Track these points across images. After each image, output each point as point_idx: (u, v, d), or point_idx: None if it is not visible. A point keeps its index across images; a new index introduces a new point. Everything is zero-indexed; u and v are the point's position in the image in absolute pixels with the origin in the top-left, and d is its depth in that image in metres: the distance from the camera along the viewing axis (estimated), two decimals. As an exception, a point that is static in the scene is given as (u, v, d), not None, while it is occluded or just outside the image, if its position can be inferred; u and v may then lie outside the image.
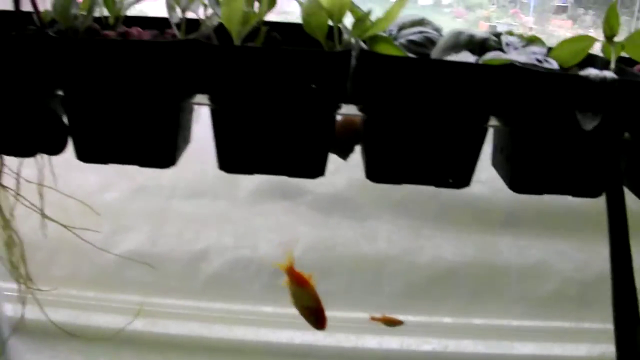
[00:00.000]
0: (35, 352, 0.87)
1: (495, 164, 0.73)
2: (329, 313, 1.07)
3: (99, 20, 0.70)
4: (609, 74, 0.59)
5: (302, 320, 1.05)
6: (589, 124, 0.59)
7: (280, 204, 1.03)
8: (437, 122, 0.62)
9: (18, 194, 0.69)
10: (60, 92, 0.62)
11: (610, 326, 1.09)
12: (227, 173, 0.64)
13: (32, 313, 0.83)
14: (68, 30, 0.63)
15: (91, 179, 0.92)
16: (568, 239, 1.11)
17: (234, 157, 0.64)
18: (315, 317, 0.80)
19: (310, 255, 1.05)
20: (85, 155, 0.64)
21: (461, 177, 0.66)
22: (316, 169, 0.65)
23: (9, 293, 0.85)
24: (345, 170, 1.05)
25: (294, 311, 1.07)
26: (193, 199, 1.00)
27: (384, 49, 0.61)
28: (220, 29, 0.63)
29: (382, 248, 1.10)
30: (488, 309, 1.10)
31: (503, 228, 1.09)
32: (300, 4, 0.62)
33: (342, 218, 1.09)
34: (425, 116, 0.61)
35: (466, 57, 0.64)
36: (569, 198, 0.68)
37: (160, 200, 0.94)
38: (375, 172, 0.65)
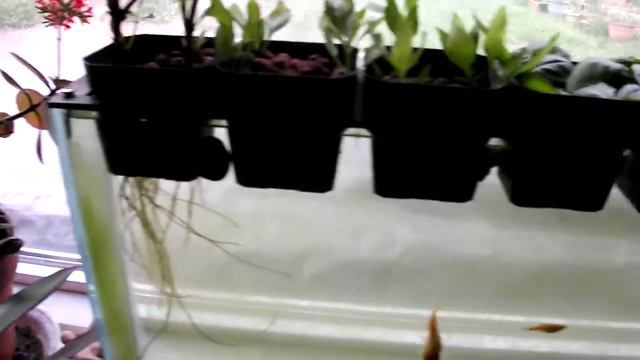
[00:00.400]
0: (162, 352, 0.93)
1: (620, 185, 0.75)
2: (425, 312, 1.11)
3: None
4: None
5: (408, 320, 1.09)
6: None
7: (374, 203, 1.04)
8: (583, 154, 0.63)
9: (172, 214, 0.73)
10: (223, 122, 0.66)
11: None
12: (383, 197, 0.67)
13: (167, 316, 0.87)
14: (230, 63, 0.66)
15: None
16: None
17: (392, 183, 0.67)
18: None
19: (408, 256, 1.06)
20: (246, 180, 0.68)
21: (595, 201, 0.68)
22: (466, 195, 0.67)
23: (142, 294, 0.89)
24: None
25: (401, 311, 1.10)
26: (286, 197, 1.00)
27: (537, 86, 0.62)
28: (380, 60, 0.65)
29: (478, 248, 1.10)
30: (590, 310, 1.10)
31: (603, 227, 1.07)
32: (443, 33, 0.64)
33: (439, 218, 1.09)
34: (576, 150, 0.63)
35: (604, 89, 0.65)
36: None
37: (255, 199, 0.95)
38: (522, 198, 0.68)
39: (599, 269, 1.09)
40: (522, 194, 0.68)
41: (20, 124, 1.03)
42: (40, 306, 1.17)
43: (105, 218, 0.79)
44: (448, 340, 1.10)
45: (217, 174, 0.67)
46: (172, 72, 0.63)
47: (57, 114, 0.69)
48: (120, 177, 0.75)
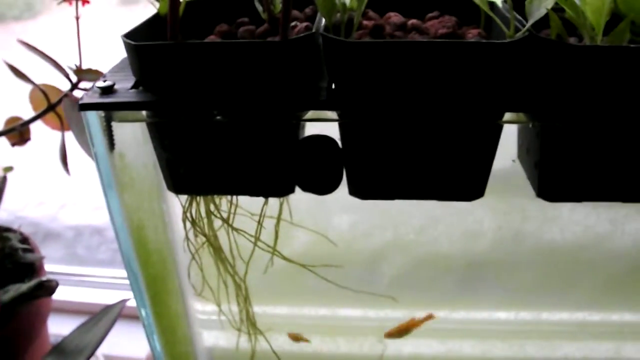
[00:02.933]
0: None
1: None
2: (516, 316, 0.93)
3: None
4: None
5: (502, 327, 0.93)
6: None
7: None
8: None
9: (258, 238, 0.55)
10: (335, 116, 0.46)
11: None
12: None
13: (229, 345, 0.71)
14: (336, 28, 0.46)
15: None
16: None
17: (576, 183, 0.47)
18: None
19: (497, 247, 0.89)
20: (367, 191, 0.48)
21: None
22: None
23: (204, 317, 0.72)
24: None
25: (492, 316, 0.93)
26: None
27: None
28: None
29: (576, 235, 0.93)
30: None
31: None
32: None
33: (526, 199, 0.91)
34: None
35: None
36: None
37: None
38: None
39: None
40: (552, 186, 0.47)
41: (36, 124, 0.85)
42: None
43: (165, 248, 0.60)
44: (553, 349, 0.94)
45: (326, 186, 0.48)
46: (261, 46, 0.43)
47: (93, 118, 0.49)
48: (184, 197, 0.56)
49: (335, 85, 0.45)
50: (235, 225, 0.62)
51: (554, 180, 0.48)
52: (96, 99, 0.47)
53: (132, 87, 0.48)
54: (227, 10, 0.57)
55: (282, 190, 0.49)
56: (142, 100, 0.45)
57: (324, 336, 0.77)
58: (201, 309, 0.73)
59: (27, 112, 0.84)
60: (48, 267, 1.21)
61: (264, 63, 0.43)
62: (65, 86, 0.80)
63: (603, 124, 0.44)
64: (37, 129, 0.86)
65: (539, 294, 0.93)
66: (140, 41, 0.45)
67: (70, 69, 0.78)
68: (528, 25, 0.43)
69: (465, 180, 0.47)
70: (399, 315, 0.76)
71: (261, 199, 0.59)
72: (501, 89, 0.42)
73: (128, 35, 0.47)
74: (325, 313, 0.76)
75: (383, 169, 0.46)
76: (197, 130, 0.47)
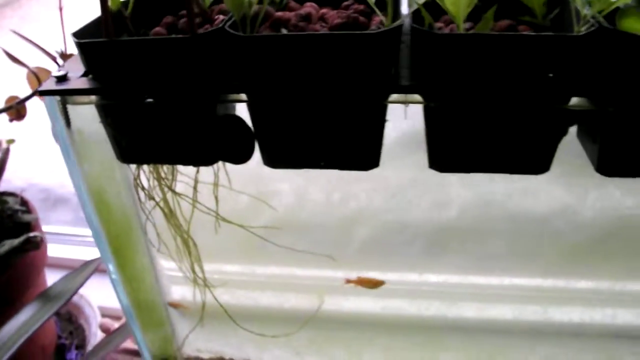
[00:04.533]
0: (204, 338, 0.87)
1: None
2: (486, 280, 0.99)
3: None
4: None
5: (467, 290, 0.99)
6: None
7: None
8: None
9: (195, 201, 0.64)
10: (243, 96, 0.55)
11: None
12: (440, 172, 0.56)
13: (203, 307, 0.81)
14: (243, 21, 0.54)
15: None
16: None
17: (453, 155, 0.54)
18: None
19: (466, 215, 0.94)
20: (276, 160, 0.57)
21: None
22: (543, 165, 0.54)
23: (171, 273, 0.83)
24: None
25: (457, 279, 1.00)
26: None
27: (635, 27, 0.47)
28: (429, 4, 0.51)
29: (543, 204, 0.98)
30: None
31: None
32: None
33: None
34: None
35: None
36: None
37: None
38: (608, 167, 0.54)
39: None
40: (611, 162, 0.54)
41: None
42: (81, 290, 1.14)
43: (125, 209, 0.71)
44: (514, 311, 1.00)
45: (240, 157, 0.57)
46: (171, 41, 0.51)
47: (51, 102, 0.59)
48: (134, 166, 0.66)
49: (241, 72, 0.53)
50: (200, 192, 0.72)
51: (444, 153, 0.55)
52: (52, 86, 0.57)
53: (82, 76, 0.57)
54: (175, 3, 0.65)
55: (206, 161, 0.58)
56: (84, 87, 0.55)
57: (274, 292, 0.87)
58: (167, 265, 0.84)
59: (25, 92, 0.95)
60: (57, 228, 1.34)
61: (175, 55, 0.52)
62: (54, 69, 0.90)
63: (476, 103, 0.51)
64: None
65: (506, 260, 0.99)
66: (93, 36, 0.54)
67: (58, 53, 0.88)
68: (405, 16, 0.50)
69: (358, 152, 0.55)
70: (340, 275, 0.85)
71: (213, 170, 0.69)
72: (381, 75, 0.50)
73: (78, 32, 0.56)
74: (274, 272, 0.86)
75: (284, 142, 0.55)
76: (132, 110, 0.57)
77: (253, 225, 0.72)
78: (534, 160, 0.54)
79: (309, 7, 0.58)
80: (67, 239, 1.25)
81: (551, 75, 0.48)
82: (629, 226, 0.94)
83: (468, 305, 0.95)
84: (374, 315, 0.86)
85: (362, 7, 0.59)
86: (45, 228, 1.31)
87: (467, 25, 0.52)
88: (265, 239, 0.72)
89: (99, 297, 1.09)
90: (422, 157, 0.67)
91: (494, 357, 0.92)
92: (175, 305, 0.83)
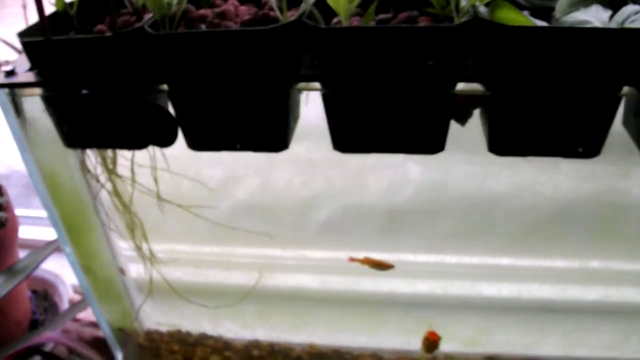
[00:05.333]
0: (163, 312, 0.94)
1: (626, 124, 0.65)
2: (439, 258, 1.05)
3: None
4: None
5: (418, 268, 1.04)
6: None
7: None
8: (568, 92, 0.54)
9: (134, 181, 0.71)
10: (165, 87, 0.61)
11: None
12: (342, 153, 0.62)
13: (150, 281, 0.88)
14: (164, 20, 0.60)
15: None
16: None
17: (351, 138, 0.61)
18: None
19: (420, 196, 0.99)
20: (197, 144, 0.64)
21: (592, 146, 0.59)
22: (435, 146, 0.60)
23: (128, 253, 0.90)
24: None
25: (409, 258, 1.05)
26: (299, 142, 0.94)
27: (507, 16, 0.53)
28: (321, 2, 0.57)
29: (494, 186, 1.03)
30: (608, 251, 1.02)
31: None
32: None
33: (456, 152, 1.00)
34: (557, 89, 0.54)
35: (597, 13, 0.54)
36: None
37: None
38: (500, 146, 0.60)
39: (627, 205, 0.99)
40: (500, 142, 0.60)
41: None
42: (56, 269, 1.22)
43: (78, 192, 0.78)
44: (462, 288, 1.06)
45: (165, 141, 0.63)
46: (96, 40, 0.58)
47: (1, 94, 0.66)
48: (80, 150, 0.73)
49: (161, 65, 0.59)
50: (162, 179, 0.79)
51: (343, 135, 0.61)
52: (1, 79, 0.64)
53: (28, 70, 0.64)
54: (117, 2, 0.72)
55: (138, 145, 0.65)
56: (27, 81, 0.62)
57: (220, 270, 0.94)
58: (124, 245, 0.91)
59: None
60: (37, 212, 1.41)
61: (103, 52, 0.58)
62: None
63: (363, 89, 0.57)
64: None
65: (459, 240, 1.04)
66: (37, 35, 0.61)
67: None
68: (298, 13, 0.56)
69: (268, 135, 0.62)
70: (277, 253, 0.92)
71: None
72: (281, 65, 0.56)
73: (23, 31, 0.62)
74: (223, 250, 0.93)
75: (202, 127, 0.61)
76: (71, 100, 0.63)
77: (219, 208, 0.80)
78: (427, 140, 0.60)
79: (228, 5, 0.65)
80: (46, 222, 1.32)
81: (431, 63, 0.54)
82: (576, 207, 0.99)
83: (418, 281, 1.00)
84: (317, 290, 0.93)
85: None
86: (25, 212, 1.39)
87: (355, 22, 0.58)
88: (213, 221, 0.79)
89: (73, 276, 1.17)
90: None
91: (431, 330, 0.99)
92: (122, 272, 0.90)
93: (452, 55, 0.53)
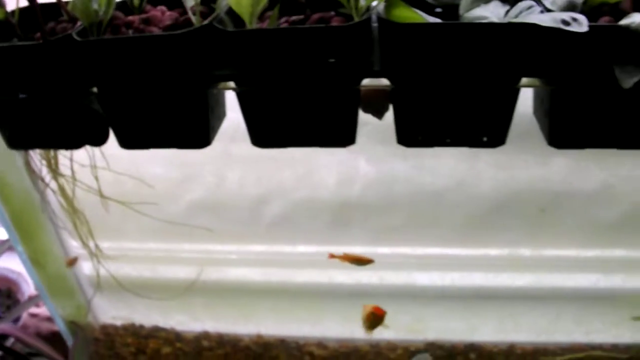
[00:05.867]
0: (117, 307, 0.98)
1: (536, 113, 0.70)
2: (386, 250, 1.09)
3: (124, 3, 0.72)
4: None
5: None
6: (629, 80, 0.54)
7: None
8: (468, 85, 0.59)
9: (75, 179, 0.76)
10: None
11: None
12: (260, 148, 0.66)
13: (107, 273, 0.92)
14: (92, 27, 0.65)
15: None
16: (635, 159, 1.03)
17: (266, 133, 0.65)
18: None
19: (369, 191, 1.03)
20: (126, 143, 0.68)
21: (496, 135, 0.64)
22: (346, 139, 0.65)
23: (80, 251, 0.94)
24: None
25: (355, 249, 1.09)
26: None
27: (401, 14, 0.58)
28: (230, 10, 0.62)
29: (441, 180, 1.06)
30: (546, 238, 1.07)
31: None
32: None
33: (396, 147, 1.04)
34: (456, 81, 0.58)
35: (496, 9, 0.59)
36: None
37: (222, 144, 0.94)
38: (407, 138, 0.65)
39: (568, 195, 1.04)
40: (407, 134, 0.65)
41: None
42: (18, 267, 1.25)
43: (26, 191, 0.82)
44: (409, 277, 1.10)
45: (97, 140, 0.68)
46: (28, 47, 0.62)
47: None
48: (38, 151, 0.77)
49: (87, 68, 0.64)
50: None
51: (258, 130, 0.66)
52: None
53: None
54: (57, 10, 0.76)
55: (74, 145, 0.70)
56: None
57: (169, 265, 0.98)
58: (76, 243, 0.95)
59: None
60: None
61: (34, 59, 0.63)
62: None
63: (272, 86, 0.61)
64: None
65: (405, 231, 1.08)
66: None
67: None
68: (210, 18, 0.61)
69: (190, 133, 0.66)
70: (222, 248, 0.96)
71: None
72: (197, 67, 0.61)
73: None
74: (168, 247, 0.97)
75: (128, 126, 0.66)
76: (10, 104, 0.68)
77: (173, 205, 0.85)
78: (338, 134, 0.65)
79: (155, 11, 0.69)
80: None
81: (332, 60, 0.58)
82: (519, 199, 1.03)
83: (356, 272, 1.05)
84: (263, 283, 0.97)
85: (204, 8, 0.70)
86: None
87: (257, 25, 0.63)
88: (160, 219, 0.84)
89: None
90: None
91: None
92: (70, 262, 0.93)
93: (354, 53, 0.58)
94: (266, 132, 0.65)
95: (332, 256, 0.96)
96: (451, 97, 0.60)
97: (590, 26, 0.52)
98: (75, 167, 0.79)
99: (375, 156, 1.02)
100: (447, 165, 1.05)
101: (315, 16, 0.64)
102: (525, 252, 1.00)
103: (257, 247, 0.98)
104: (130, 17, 0.68)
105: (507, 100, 0.61)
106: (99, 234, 0.89)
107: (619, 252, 1.06)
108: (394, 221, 1.05)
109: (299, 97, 0.62)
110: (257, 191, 0.99)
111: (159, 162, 0.86)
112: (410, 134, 0.64)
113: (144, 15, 0.67)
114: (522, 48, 0.56)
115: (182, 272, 0.95)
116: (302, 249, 1.00)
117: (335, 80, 0.60)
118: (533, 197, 0.98)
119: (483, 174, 0.99)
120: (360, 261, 0.95)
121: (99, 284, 0.89)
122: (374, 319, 0.94)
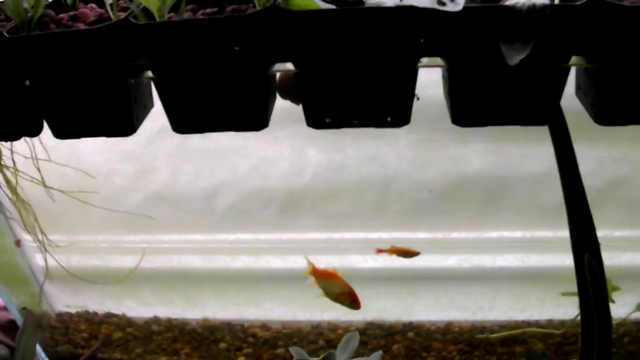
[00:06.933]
0: (71, 296, 1.03)
1: (444, 94, 0.75)
2: (337, 235, 1.14)
3: (59, 1, 0.77)
4: (539, 1, 0.58)
5: (314, 245, 1.11)
6: (515, 57, 0.59)
7: (292, 127, 0.98)
8: (367, 67, 0.64)
9: (17, 170, 0.81)
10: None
11: (621, 232, 1.08)
12: (179, 134, 0.72)
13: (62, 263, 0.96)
14: (22, 24, 0.70)
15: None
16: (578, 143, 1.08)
17: (184, 120, 0.70)
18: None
19: (318, 180, 1.07)
20: (59, 133, 0.73)
21: (399, 115, 0.69)
22: (259, 123, 0.70)
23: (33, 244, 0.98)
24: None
25: (306, 236, 1.14)
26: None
27: (297, 1, 0.62)
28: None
29: (390, 166, 1.11)
30: (496, 221, 1.11)
31: (507, 135, 1.05)
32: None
33: (357, 136, 1.08)
34: (352, 65, 0.64)
35: None
36: (577, 104, 0.70)
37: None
38: (315, 121, 0.70)
39: (514, 178, 1.08)
40: (315, 116, 0.70)
41: None
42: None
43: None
44: (363, 262, 1.15)
45: (32, 131, 0.73)
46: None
47: None
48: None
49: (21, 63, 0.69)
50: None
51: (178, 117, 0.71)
52: None
53: None
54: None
55: (12, 136, 0.75)
56: None
57: (116, 254, 1.03)
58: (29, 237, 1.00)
59: None
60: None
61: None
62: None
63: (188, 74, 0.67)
64: None
65: (354, 218, 1.12)
66: None
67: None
68: (127, 13, 0.66)
69: (115, 123, 0.71)
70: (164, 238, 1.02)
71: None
72: (114, 59, 0.66)
73: None
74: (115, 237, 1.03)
75: (58, 117, 0.71)
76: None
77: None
78: (251, 118, 0.69)
79: (85, 8, 0.75)
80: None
81: (237, 48, 0.64)
82: (466, 184, 1.08)
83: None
84: (207, 269, 1.03)
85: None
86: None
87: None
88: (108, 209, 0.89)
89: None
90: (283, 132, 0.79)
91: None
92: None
93: (259, 40, 0.63)
94: (184, 118, 0.70)
95: (379, 251, 0.99)
96: (351, 79, 0.65)
97: (479, 7, 0.58)
98: (21, 160, 0.85)
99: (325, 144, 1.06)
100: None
101: (229, 8, 0.70)
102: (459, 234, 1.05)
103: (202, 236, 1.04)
104: (61, 15, 0.73)
105: (406, 81, 0.66)
106: (49, 226, 0.94)
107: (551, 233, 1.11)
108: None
109: (212, 84, 0.67)
110: (207, 182, 1.04)
111: (108, 154, 0.92)
112: (318, 116, 0.70)
113: (72, 13, 0.73)
114: (412, 30, 0.61)
115: (129, 261, 1.00)
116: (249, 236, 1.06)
117: (243, 67, 0.66)
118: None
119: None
120: (407, 253, 0.99)
121: (48, 272, 0.94)
122: (346, 297, 0.92)
